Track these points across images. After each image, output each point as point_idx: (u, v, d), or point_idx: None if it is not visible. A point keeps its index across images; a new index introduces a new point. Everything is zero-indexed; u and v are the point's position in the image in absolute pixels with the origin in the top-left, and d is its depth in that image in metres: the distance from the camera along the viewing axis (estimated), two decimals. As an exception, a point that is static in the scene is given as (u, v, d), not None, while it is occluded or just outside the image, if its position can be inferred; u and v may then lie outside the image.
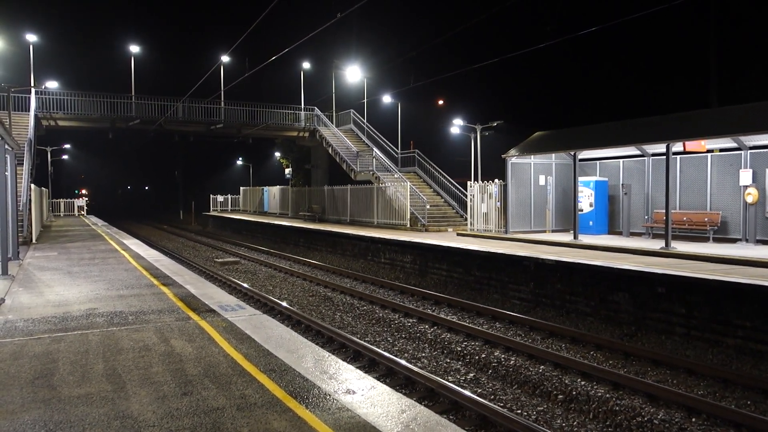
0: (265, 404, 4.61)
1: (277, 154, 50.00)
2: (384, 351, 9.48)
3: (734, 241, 15.50)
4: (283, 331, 7.01)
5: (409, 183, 24.62)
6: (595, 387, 7.95)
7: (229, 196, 49.72)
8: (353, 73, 33.82)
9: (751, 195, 14.95)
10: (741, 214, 15.42)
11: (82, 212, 45.00)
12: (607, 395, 7.62)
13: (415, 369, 8.35)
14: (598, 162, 19.80)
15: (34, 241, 19.46)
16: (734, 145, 15.54)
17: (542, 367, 8.87)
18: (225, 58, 34.84)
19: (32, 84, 29.81)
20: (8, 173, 12.93)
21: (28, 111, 27.68)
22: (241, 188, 49.54)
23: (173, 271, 12.47)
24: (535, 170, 20.10)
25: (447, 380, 8.21)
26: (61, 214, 43.28)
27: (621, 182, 18.68)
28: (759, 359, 9.07)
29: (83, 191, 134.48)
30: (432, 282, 16.87)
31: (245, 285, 16.27)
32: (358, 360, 9.34)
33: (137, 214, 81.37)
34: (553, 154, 19.98)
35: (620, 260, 12.67)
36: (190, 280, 11.18)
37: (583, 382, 8.13)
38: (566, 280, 12.75)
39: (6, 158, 12.16)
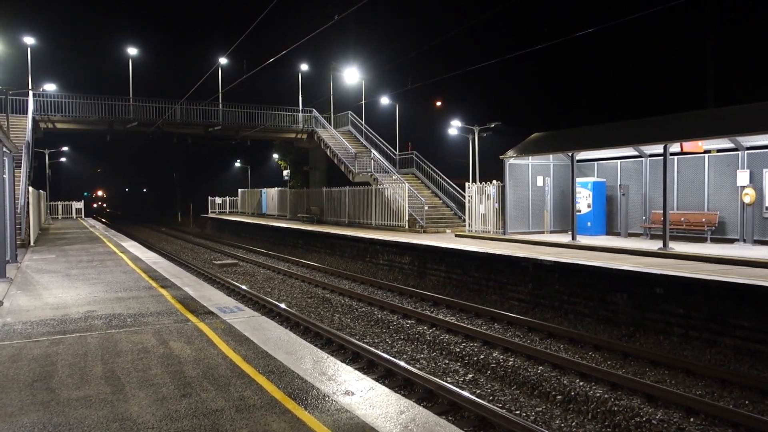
0: (264, 406, 4.62)
1: (276, 156, 49.99)
2: (383, 352, 9.48)
3: (732, 241, 15.53)
4: (281, 333, 7.01)
5: (407, 184, 24.63)
6: (594, 387, 7.96)
7: (228, 198, 49.68)
8: (351, 75, 33.84)
9: (749, 195, 14.99)
10: (738, 215, 15.46)
11: (80, 216, 44.90)
12: (606, 395, 7.63)
13: (414, 370, 8.36)
14: (595, 163, 19.84)
15: (32, 243, 19.43)
16: (731, 145, 15.58)
17: (541, 367, 8.88)
18: (223, 60, 34.85)
19: (30, 86, 29.79)
20: (6, 176, 12.93)
21: (26, 113, 27.63)
22: (240, 190, 49.52)
23: (171, 274, 12.46)
24: (533, 171, 20.13)
25: (446, 381, 8.22)
26: (59, 217, 43.21)
27: (619, 183, 18.72)
28: (757, 359, 9.09)
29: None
30: (430, 283, 16.87)
31: (244, 287, 16.27)
32: (357, 361, 9.34)
33: (135, 217, 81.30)
34: (551, 155, 20.01)
35: (618, 261, 12.69)
36: (188, 282, 11.18)
37: (581, 383, 8.14)
38: (564, 281, 12.76)
39: (4, 161, 12.15)
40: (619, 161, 19.04)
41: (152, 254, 17.27)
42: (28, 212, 19.26)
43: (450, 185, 27.11)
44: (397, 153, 31.75)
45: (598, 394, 7.68)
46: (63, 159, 66.67)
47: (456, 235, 20.82)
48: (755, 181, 15.09)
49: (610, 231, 19.03)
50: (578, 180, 18.22)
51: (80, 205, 46.32)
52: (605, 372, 8.31)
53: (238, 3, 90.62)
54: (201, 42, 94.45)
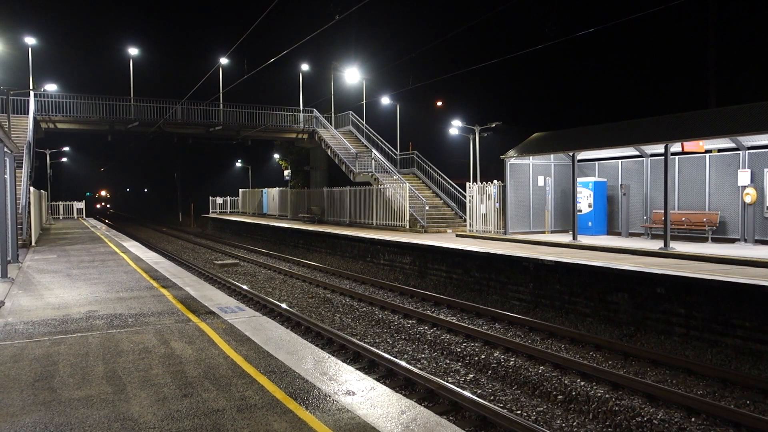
0: (266, 406, 4.62)
1: (276, 156, 50.00)
2: (384, 352, 9.49)
3: (733, 241, 15.52)
4: (282, 333, 7.01)
5: (408, 184, 24.63)
6: (595, 387, 7.96)
7: (229, 198, 49.69)
8: (352, 75, 33.85)
9: (750, 195, 14.98)
10: (739, 214, 15.45)
11: (81, 216, 44.93)
12: (607, 395, 7.63)
13: (415, 370, 8.36)
14: (596, 163, 19.83)
15: (33, 243, 19.45)
16: (732, 145, 15.57)
17: (542, 367, 8.88)
18: (224, 60, 34.87)
19: (31, 87, 29.82)
20: (7, 176, 12.94)
21: (27, 114, 27.66)
22: (240, 190, 49.52)
23: (173, 273, 12.47)
24: (534, 171, 20.12)
25: (447, 381, 8.22)
26: (60, 217, 43.25)
27: (620, 183, 18.71)
28: (758, 359, 9.09)
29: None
30: (431, 283, 16.87)
31: (245, 287, 16.28)
32: (358, 361, 9.34)
33: (136, 217, 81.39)
34: (552, 155, 20.01)
35: (619, 261, 12.69)
36: (189, 282, 11.18)
37: (582, 383, 8.14)
38: (565, 281, 12.76)
39: (5, 161, 12.17)
40: (620, 161, 19.03)
41: (153, 254, 17.28)
42: (29, 212, 19.28)
43: (451, 185, 27.12)
44: (398, 153, 31.75)
45: (599, 394, 7.68)
46: (64, 159, 66.72)
47: (457, 235, 20.82)
48: (756, 180, 15.08)
49: (611, 231, 19.02)
50: (579, 180, 18.22)
51: (81, 205, 46.34)
52: (606, 372, 8.31)
53: (239, 3, 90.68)
54: (201, 42, 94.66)
